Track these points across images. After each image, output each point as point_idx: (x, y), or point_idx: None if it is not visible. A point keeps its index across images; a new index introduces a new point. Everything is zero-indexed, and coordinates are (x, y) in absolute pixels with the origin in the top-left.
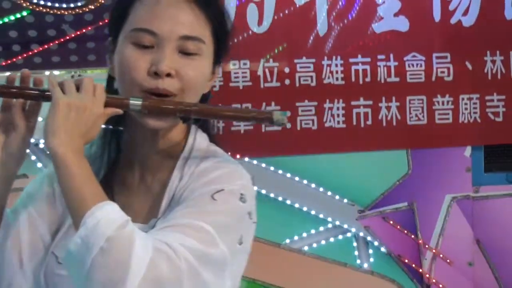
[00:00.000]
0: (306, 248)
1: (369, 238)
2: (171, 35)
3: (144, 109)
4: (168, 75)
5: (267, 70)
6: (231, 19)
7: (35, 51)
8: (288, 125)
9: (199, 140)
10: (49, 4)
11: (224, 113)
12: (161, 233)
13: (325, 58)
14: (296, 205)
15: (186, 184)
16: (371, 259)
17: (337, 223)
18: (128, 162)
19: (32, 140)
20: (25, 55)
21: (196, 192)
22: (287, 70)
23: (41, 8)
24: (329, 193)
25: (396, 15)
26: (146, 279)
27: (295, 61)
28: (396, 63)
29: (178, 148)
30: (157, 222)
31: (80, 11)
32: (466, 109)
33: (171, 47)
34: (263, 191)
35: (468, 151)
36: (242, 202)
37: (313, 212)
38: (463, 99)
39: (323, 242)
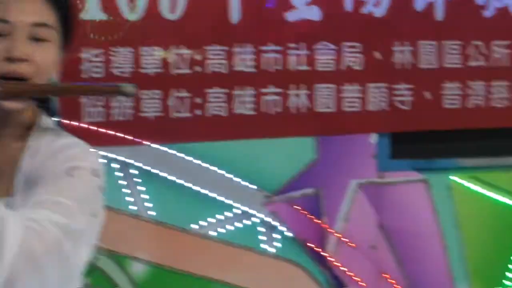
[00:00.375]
0: (213, 233)
1: (275, 224)
2: (23, 23)
3: (1, 93)
4: (22, 60)
5: (178, 57)
6: (77, 8)
7: None
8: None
9: (48, 121)
10: None
11: (77, 89)
12: (27, 210)
13: (237, 45)
14: (204, 191)
15: (39, 162)
16: (278, 244)
17: (244, 208)
18: None
19: None
20: None
21: (52, 169)
22: (198, 57)
23: None
24: (236, 179)
25: (308, 4)
26: (19, 255)
27: (207, 48)
28: (307, 52)
29: (28, 128)
30: (13, 200)
31: None
32: (374, 97)
33: (23, 34)
34: (172, 177)
35: (374, 137)
36: (96, 177)
37: (220, 198)
38: (371, 87)
39: (230, 227)
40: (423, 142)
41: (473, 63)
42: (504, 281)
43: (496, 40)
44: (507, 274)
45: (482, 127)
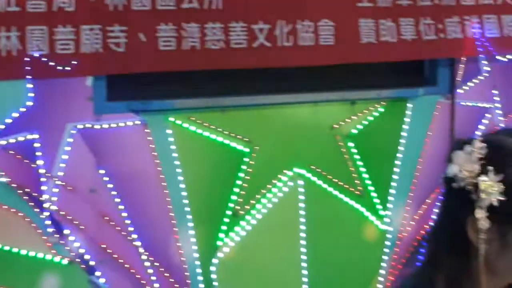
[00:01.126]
0: None
1: None
2: None
3: None
4: None
5: None
6: None
7: None
8: None
9: None
10: None
11: None
12: None
13: None
14: None
15: None
16: None
17: None
18: None
19: None
20: None
21: None
22: None
23: None
24: None
25: None
26: None
27: None
28: None
29: None
30: None
31: None
32: (88, 39)
33: None
34: None
35: (89, 80)
36: None
37: None
38: (85, 29)
39: None
40: (140, 84)
41: (186, 6)
42: (225, 219)
43: None
44: (227, 212)
45: (196, 68)
